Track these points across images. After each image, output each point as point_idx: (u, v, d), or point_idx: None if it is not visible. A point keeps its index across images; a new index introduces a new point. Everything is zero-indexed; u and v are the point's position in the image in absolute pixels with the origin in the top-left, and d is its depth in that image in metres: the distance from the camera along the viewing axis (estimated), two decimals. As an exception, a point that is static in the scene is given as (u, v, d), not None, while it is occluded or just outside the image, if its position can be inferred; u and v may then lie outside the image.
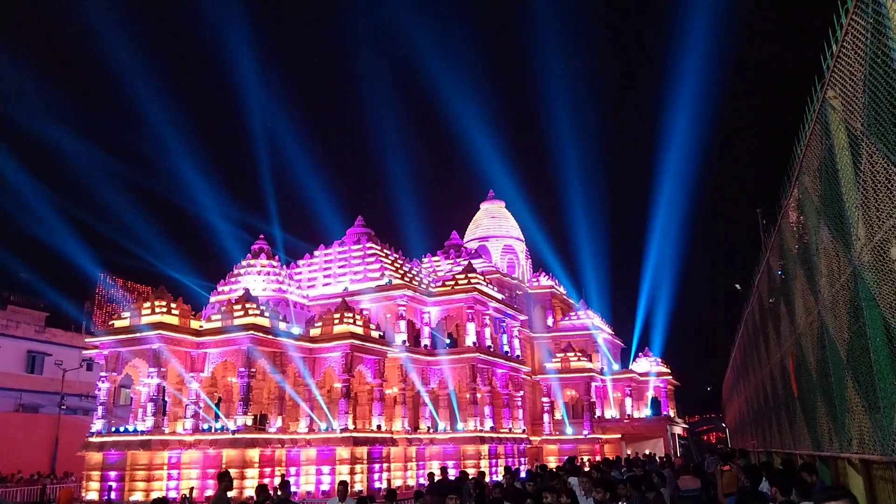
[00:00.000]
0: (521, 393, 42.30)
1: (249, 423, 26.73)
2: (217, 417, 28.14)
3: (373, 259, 37.76)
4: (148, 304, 27.50)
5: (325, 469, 28.06)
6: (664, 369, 55.57)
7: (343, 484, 11.07)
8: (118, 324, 27.85)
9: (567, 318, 52.62)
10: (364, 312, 33.49)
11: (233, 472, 21.44)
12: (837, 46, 5.10)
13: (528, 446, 41.89)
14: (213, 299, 34.02)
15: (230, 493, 10.74)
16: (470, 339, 36.72)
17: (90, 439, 26.52)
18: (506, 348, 41.38)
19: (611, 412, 49.83)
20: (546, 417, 45.76)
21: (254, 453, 26.25)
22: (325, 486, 27.45)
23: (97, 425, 26.80)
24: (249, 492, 23.91)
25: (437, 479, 17.37)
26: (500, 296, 41.77)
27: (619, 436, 46.35)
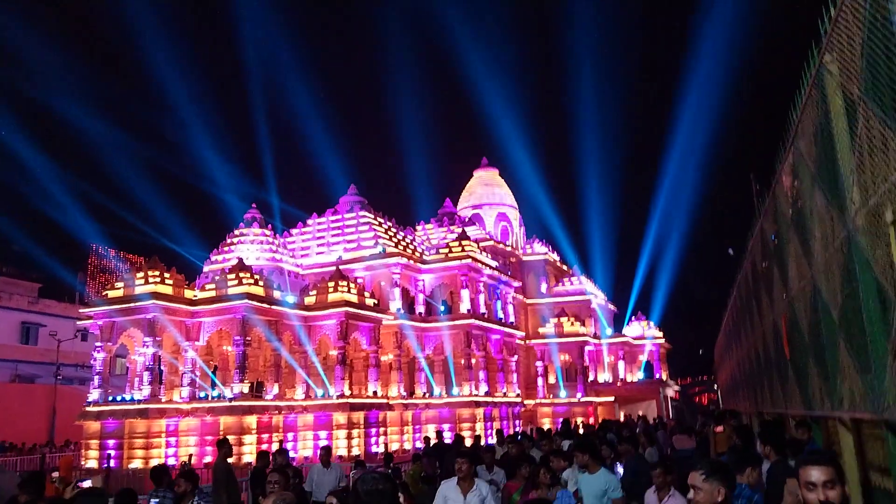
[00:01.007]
0: (516, 358, 42.73)
1: (246, 390, 26.95)
2: (214, 385, 28.35)
3: (366, 227, 37.73)
4: (141, 274, 27.47)
5: (323, 434, 28.41)
6: (657, 333, 56.14)
7: (324, 449, 10.98)
8: (112, 294, 27.84)
9: (561, 285, 52.88)
10: (358, 281, 33.60)
11: (230, 438, 21.71)
12: (836, 11, 5.08)
13: (523, 409, 42.47)
14: (206, 268, 34.02)
15: (229, 460, 10.91)
16: (464, 306, 36.93)
17: (87, 409, 26.69)
18: (500, 314, 41.66)
19: (604, 376, 50.43)
20: (540, 381, 46.30)
21: (251, 420, 26.52)
22: (322, 452, 27.79)
23: (94, 395, 26.95)
24: (248, 458, 24.22)
25: (433, 442, 17.66)
26: (493, 263, 41.91)
27: (613, 399, 46.98)
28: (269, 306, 27.98)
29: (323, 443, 28.07)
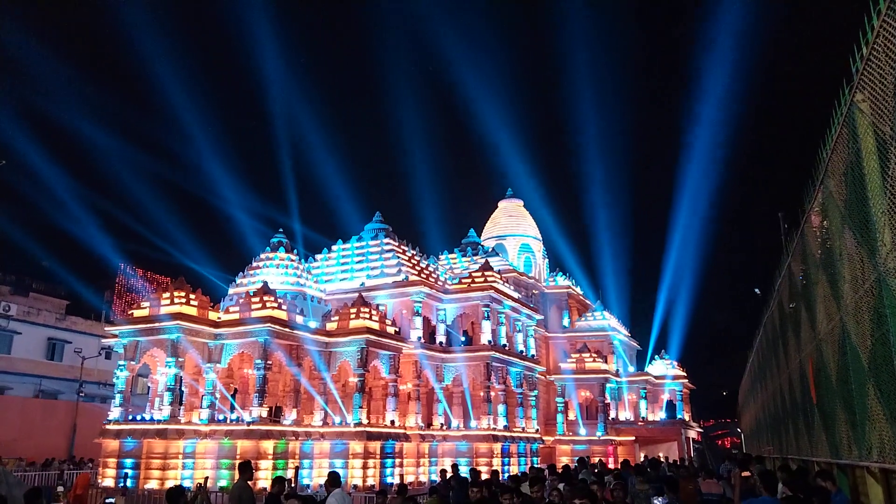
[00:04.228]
0: (536, 392, 42.23)
1: (264, 414, 26.90)
2: (233, 408, 28.36)
3: (390, 255, 37.84)
4: (167, 295, 27.74)
5: (338, 463, 28.19)
6: (680, 372, 55.08)
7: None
8: (137, 313, 28.14)
9: (583, 319, 52.35)
10: (380, 308, 33.58)
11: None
12: (868, 49, 5.03)
13: (541, 446, 41.82)
14: (231, 291, 34.29)
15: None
16: (485, 338, 36.69)
17: (107, 427, 26.82)
18: (521, 347, 41.31)
19: (625, 414, 49.56)
20: (560, 418, 45.62)
21: (268, 445, 26.42)
22: (337, 480, 27.52)
23: (114, 413, 27.09)
24: (262, 483, 24.08)
25: (448, 476, 17.42)
26: (516, 294, 41.69)
27: (633, 438, 46.12)
28: (290, 331, 28.04)
29: (339, 471, 27.89)
